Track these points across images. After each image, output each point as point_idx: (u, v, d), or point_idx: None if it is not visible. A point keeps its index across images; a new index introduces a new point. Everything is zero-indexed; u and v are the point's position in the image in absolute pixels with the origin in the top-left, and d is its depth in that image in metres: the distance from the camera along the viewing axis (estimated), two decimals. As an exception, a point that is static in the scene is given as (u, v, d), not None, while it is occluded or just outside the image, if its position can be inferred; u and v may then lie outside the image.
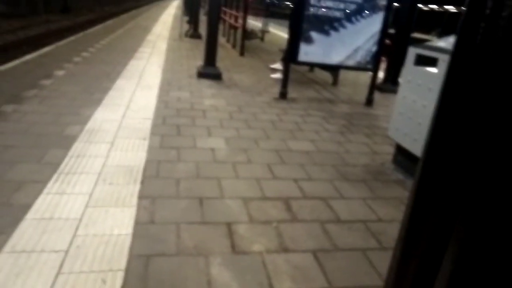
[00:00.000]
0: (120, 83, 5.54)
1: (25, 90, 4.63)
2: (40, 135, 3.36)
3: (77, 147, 3.20)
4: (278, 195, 2.81)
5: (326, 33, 5.54)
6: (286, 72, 5.68)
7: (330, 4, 5.42)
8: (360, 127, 4.84)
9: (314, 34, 5.52)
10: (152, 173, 2.91)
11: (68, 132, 3.49)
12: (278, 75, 7.32)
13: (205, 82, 6.27)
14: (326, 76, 7.64)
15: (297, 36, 5.49)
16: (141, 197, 2.55)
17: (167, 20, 19.37)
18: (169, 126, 4.00)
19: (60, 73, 5.75)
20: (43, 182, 2.56)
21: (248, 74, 7.54)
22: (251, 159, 3.43)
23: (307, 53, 5.53)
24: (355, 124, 4.93)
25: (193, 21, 12.98)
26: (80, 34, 10.84)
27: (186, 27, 13.32)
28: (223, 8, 12.17)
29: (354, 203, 2.86)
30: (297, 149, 3.81)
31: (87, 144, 3.28)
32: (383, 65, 7.10)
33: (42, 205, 2.30)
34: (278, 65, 7.85)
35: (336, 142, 4.16)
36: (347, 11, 5.50)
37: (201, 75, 6.53)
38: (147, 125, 3.94)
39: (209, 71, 6.56)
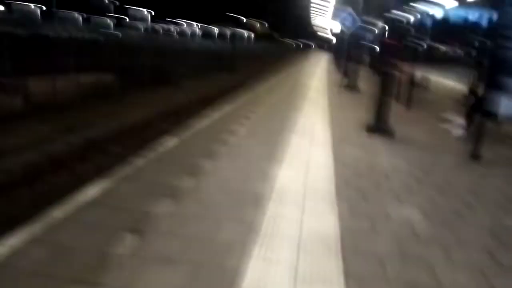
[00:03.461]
0: (293, 139, 5.67)
1: (216, 145, 5.08)
2: (235, 192, 3.54)
3: (270, 207, 3.25)
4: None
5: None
6: (480, 129, 4.91)
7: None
8: None
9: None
10: (350, 246, 2.69)
11: (259, 191, 3.60)
12: (459, 131, 6.49)
13: (377, 139, 5.94)
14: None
15: (494, 84, 4.71)
16: (347, 276, 2.33)
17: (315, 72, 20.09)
18: (352, 190, 3.77)
19: (241, 129, 6.24)
20: (248, 244, 2.60)
21: (419, 129, 6.94)
22: (460, 237, 2.89)
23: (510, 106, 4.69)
24: None
25: (349, 74, 13.09)
26: (250, 94, 11.92)
27: (345, 81, 13.58)
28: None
29: None
30: (518, 229, 3.08)
31: (280, 206, 3.29)
32: None
33: (253, 272, 2.30)
34: (457, 119, 6.99)
35: None
36: None
37: (371, 130, 6.24)
38: (330, 187, 3.81)
39: (380, 126, 6.22)
